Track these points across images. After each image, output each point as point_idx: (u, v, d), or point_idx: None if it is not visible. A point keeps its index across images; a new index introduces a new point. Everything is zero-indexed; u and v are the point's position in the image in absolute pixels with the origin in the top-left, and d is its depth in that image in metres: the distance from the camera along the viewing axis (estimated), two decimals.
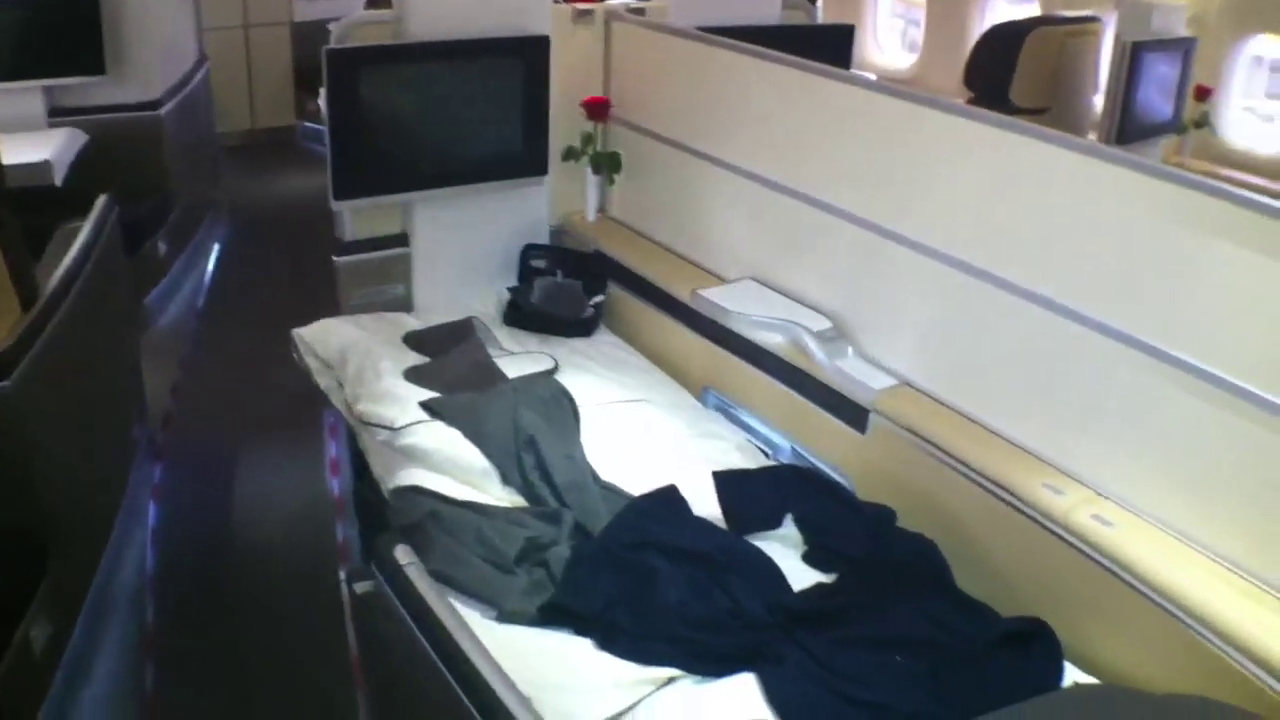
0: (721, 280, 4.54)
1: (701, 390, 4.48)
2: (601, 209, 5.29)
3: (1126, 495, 3.15)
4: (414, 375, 4.19)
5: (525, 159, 4.90)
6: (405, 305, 4.91)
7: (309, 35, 8.91)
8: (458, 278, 4.95)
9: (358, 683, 3.86)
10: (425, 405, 3.95)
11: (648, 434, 4.01)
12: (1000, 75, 7.15)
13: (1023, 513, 3.23)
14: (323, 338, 4.48)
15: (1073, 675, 2.96)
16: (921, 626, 3.08)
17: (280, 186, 9.36)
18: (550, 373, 4.35)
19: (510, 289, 4.93)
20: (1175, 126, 6.74)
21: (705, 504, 3.59)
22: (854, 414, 3.81)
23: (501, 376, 4.27)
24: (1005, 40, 7.32)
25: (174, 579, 4.45)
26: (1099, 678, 2.98)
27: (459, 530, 3.34)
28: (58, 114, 6.28)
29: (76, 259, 4.02)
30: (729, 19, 4.92)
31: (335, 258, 4.75)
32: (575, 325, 4.79)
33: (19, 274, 3.58)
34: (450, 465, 3.71)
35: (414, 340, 4.53)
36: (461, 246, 4.94)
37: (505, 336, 4.69)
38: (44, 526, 3.51)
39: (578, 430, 3.93)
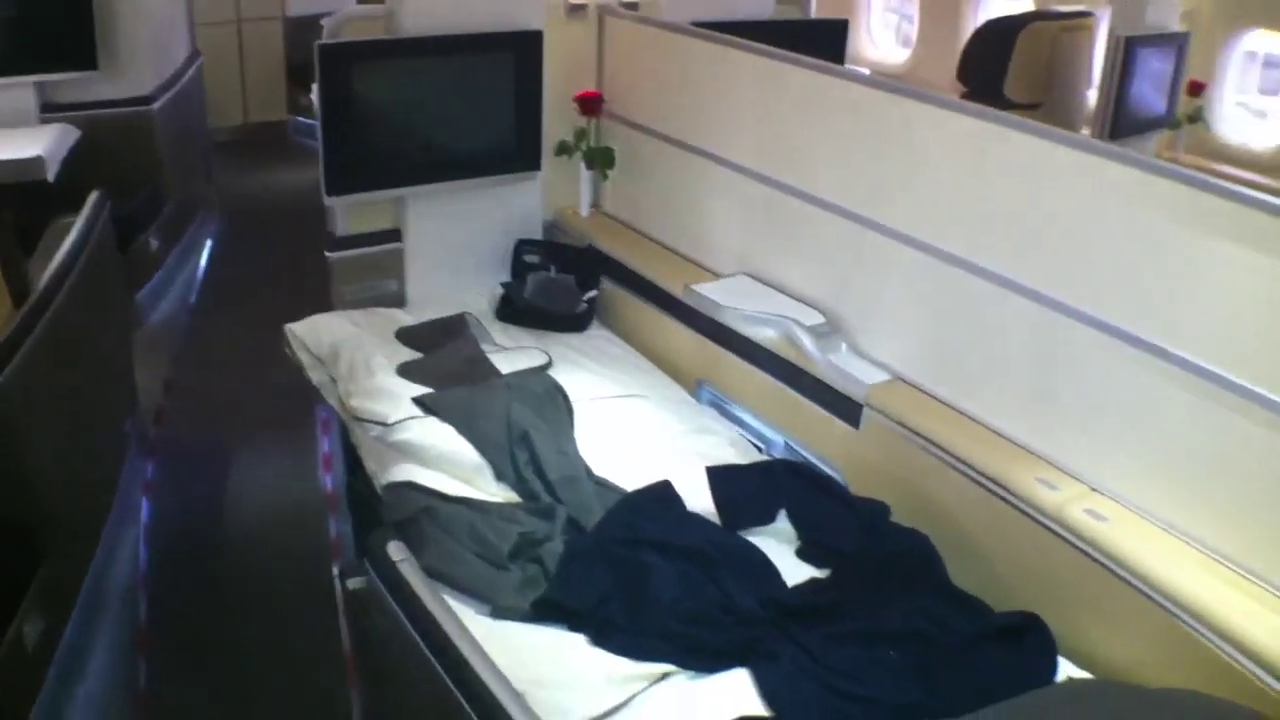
0: (715, 275, 4.54)
1: (695, 385, 4.48)
2: (595, 204, 5.29)
3: (1120, 490, 3.15)
4: (407, 371, 4.19)
5: (518, 154, 4.90)
6: (398, 301, 4.90)
7: (302, 30, 8.87)
8: (451, 273, 4.95)
9: (351, 679, 3.85)
10: (418, 401, 3.94)
11: (641, 429, 4.00)
12: (994, 70, 7.16)
13: (1016, 507, 3.23)
14: (315, 333, 4.48)
15: (1066, 669, 2.96)
16: (915, 621, 3.08)
17: (273, 182, 9.34)
18: (544, 368, 4.35)
19: (503, 284, 4.93)
20: (1169, 121, 6.74)
21: (699, 499, 3.59)
22: (847, 409, 3.81)
23: (495, 372, 4.26)
24: (999, 35, 7.33)
25: (167, 575, 4.44)
26: (1092, 672, 2.98)
27: (452, 526, 3.34)
28: (50, 109, 6.25)
29: (69, 255, 4.01)
30: (722, 14, 4.92)
31: (328, 253, 4.74)
32: (569, 320, 4.79)
33: (11, 270, 3.58)
34: (443, 461, 3.70)
35: (407, 336, 4.52)
36: (454, 242, 4.94)
37: (498, 332, 4.68)
38: (38, 522, 3.51)
39: (571, 426, 3.93)
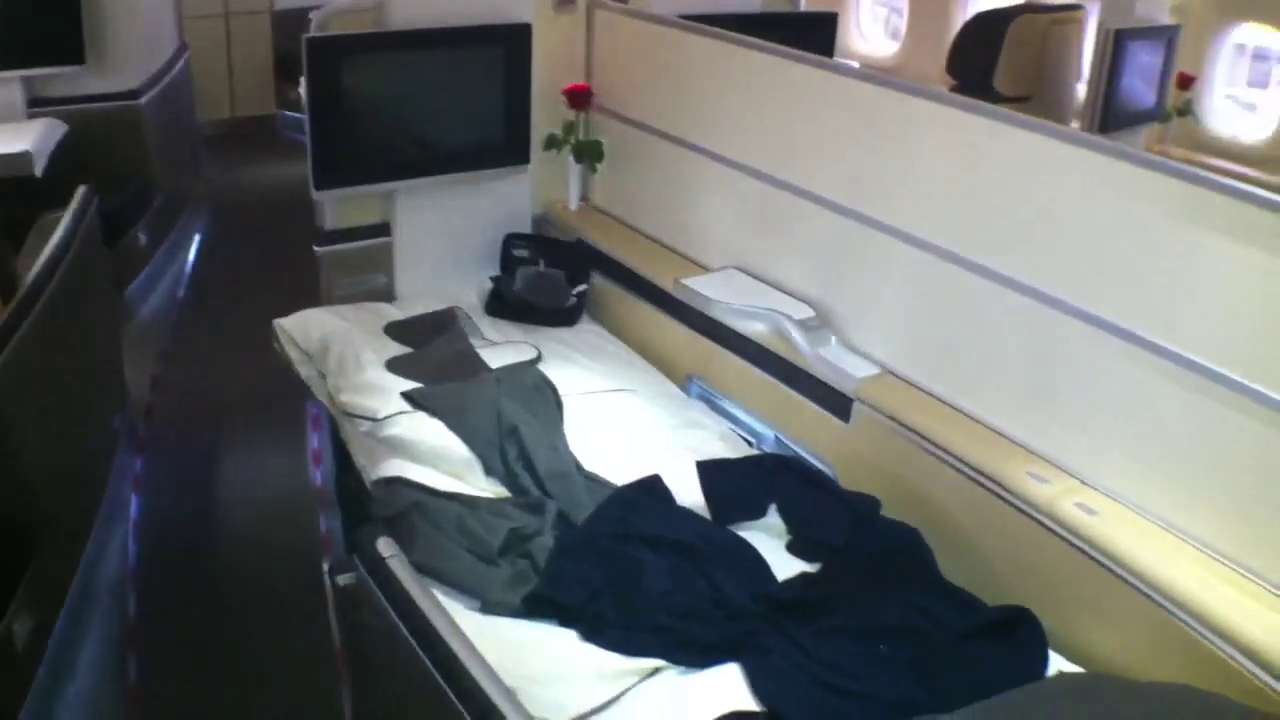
0: (705, 269, 4.53)
1: (685, 379, 4.47)
2: (584, 197, 5.28)
3: (1111, 484, 3.15)
4: (396, 366, 4.18)
5: (507, 147, 4.89)
6: (387, 295, 4.89)
7: (290, 23, 8.82)
8: (440, 267, 4.94)
9: (341, 675, 3.85)
10: (407, 396, 3.93)
11: (631, 424, 4.00)
12: (983, 63, 7.15)
13: (1007, 501, 3.23)
14: (304, 328, 4.47)
15: (1057, 664, 2.96)
16: (906, 615, 3.08)
17: (261, 176, 9.33)
18: (533, 362, 4.34)
19: (493, 278, 4.92)
20: (1158, 114, 6.74)
21: (689, 494, 3.59)
22: (837, 402, 3.81)
23: (484, 366, 4.25)
24: (988, 28, 7.32)
25: (156, 571, 4.43)
26: (1084, 666, 2.97)
27: (442, 521, 3.33)
28: (37, 104, 6.24)
29: (56, 250, 4.00)
30: (712, 6, 4.90)
31: (316, 248, 4.73)
32: (558, 315, 4.78)
33: None
34: (433, 456, 3.69)
35: (396, 330, 4.51)
36: (443, 236, 4.93)
37: (488, 326, 4.67)
38: (28, 517, 3.50)
39: (561, 420, 3.92)
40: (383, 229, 4.83)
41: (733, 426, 4.19)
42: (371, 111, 4.59)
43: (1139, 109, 6.51)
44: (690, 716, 2.73)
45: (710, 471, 3.67)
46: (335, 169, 4.51)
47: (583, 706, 2.76)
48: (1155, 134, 6.88)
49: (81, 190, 4.54)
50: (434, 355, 4.30)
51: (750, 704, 2.78)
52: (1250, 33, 7.02)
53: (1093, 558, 2.99)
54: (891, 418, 3.62)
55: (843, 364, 3.83)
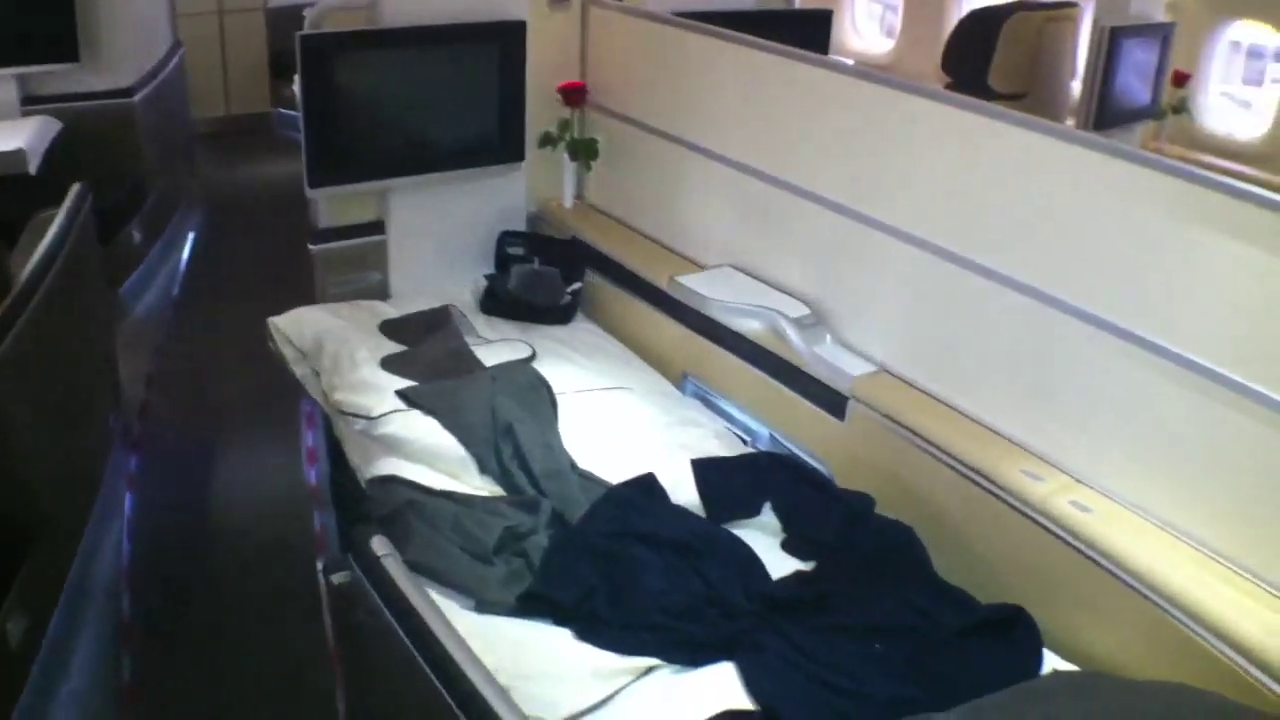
0: (700, 267, 4.53)
1: (680, 377, 4.47)
2: (579, 195, 5.28)
3: (1105, 482, 3.15)
4: (390, 364, 4.17)
5: (501, 145, 4.88)
6: (381, 293, 4.89)
7: (284, 21, 8.83)
8: (434, 265, 4.93)
9: (336, 674, 3.84)
10: (402, 394, 3.93)
11: (626, 422, 4.00)
12: (978, 60, 7.14)
13: (1001, 499, 3.23)
14: (298, 326, 4.46)
15: (1052, 662, 2.97)
16: (900, 614, 3.08)
17: (255, 174, 9.32)
18: (528, 360, 4.34)
19: (487, 276, 4.92)
20: (1153, 112, 6.74)
21: (684, 492, 3.59)
22: (832, 401, 3.80)
23: (479, 365, 4.25)
24: (983, 25, 7.31)
25: (150, 570, 4.43)
26: (1078, 664, 2.98)
27: (437, 520, 3.33)
28: (31, 102, 6.22)
29: (50, 248, 3.99)
30: (706, 4, 4.89)
31: (311, 245, 4.72)
32: (553, 313, 4.78)
33: None
34: (427, 454, 3.69)
35: (390, 328, 4.50)
36: (438, 234, 4.93)
37: (482, 324, 4.67)
38: (24, 516, 3.49)
39: (555, 418, 3.92)
40: (377, 227, 4.83)
41: (728, 425, 4.19)
42: (366, 109, 4.58)
43: (1134, 106, 6.51)
44: (685, 715, 2.73)
45: (705, 470, 3.67)
46: (330, 167, 4.51)
47: (577, 705, 2.76)
48: (1150, 131, 6.88)
49: (75, 188, 4.53)
50: (428, 353, 4.29)
51: (745, 702, 2.78)
52: (1245, 30, 7.02)
53: (1087, 556, 3.00)
54: (886, 416, 3.62)
55: (838, 362, 3.83)
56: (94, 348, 4.78)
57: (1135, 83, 6.37)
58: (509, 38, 4.71)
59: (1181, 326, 2.92)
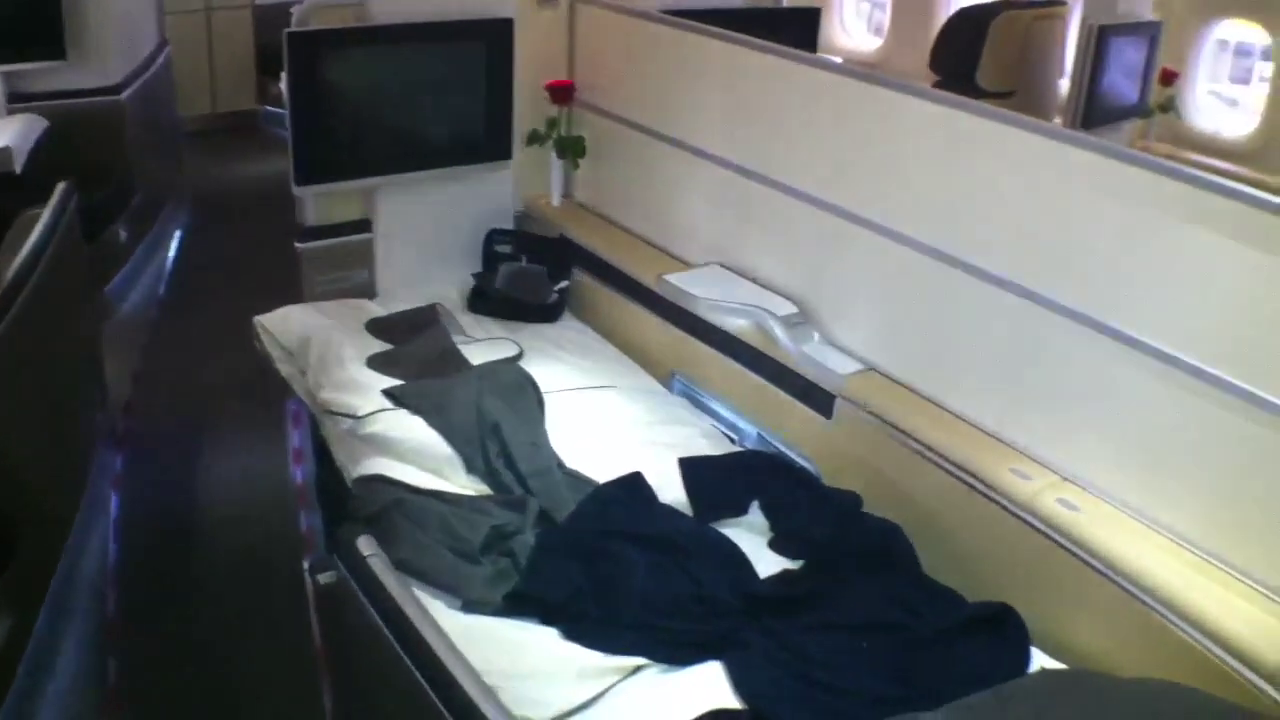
0: (687, 265, 4.53)
1: (667, 376, 4.46)
2: (566, 193, 5.27)
3: (1092, 479, 3.16)
4: (377, 362, 4.16)
5: (489, 143, 4.87)
6: (368, 291, 4.88)
7: (271, 18, 8.82)
8: (421, 263, 4.92)
9: (322, 674, 3.83)
10: (388, 393, 3.92)
11: (613, 420, 3.99)
12: (966, 58, 7.14)
13: (988, 497, 3.23)
14: (284, 325, 4.45)
15: (1039, 660, 2.97)
16: (888, 612, 3.08)
17: (242, 172, 9.29)
18: (515, 359, 4.33)
19: (474, 275, 4.91)
20: (1141, 110, 6.75)
21: (671, 491, 3.59)
22: (820, 399, 3.80)
23: (466, 363, 4.24)
24: (971, 23, 7.31)
25: (136, 570, 4.41)
26: (1065, 662, 2.98)
27: (423, 519, 3.32)
28: (17, 100, 6.19)
29: (35, 246, 3.97)
30: (694, 2, 4.89)
31: (297, 244, 4.71)
32: (540, 311, 4.77)
33: None
34: (414, 453, 3.68)
35: (377, 327, 4.50)
36: (425, 232, 4.91)
37: (469, 323, 4.66)
38: (8, 515, 3.47)
39: (542, 417, 3.91)
40: (364, 225, 4.82)
41: (715, 423, 4.19)
42: (353, 106, 4.58)
43: (1122, 105, 6.52)
44: (672, 714, 2.72)
45: (692, 468, 3.67)
46: (316, 164, 4.50)
47: (564, 705, 2.76)
48: (1138, 130, 6.89)
49: (61, 186, 4.50)
50: (415, 352, 4.28)
51: (732, 701, 2.78)
52: (1232, 28, 7.03)
53: (1075, 554, 3.00)
54: (874, 414, 3.61)
55: (826, 361, 3.82)
56: (79, 347, 4.76)
57: (1123, 81, 6.38)
58: (496, 35, 4.70)
59: (1169, 325, 2.92)
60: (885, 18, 8.86)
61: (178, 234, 7.84)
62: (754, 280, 4.25)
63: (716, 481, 3.65)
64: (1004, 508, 3.18)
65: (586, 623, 3.00)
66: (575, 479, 3.63)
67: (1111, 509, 3.08)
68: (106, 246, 6.34)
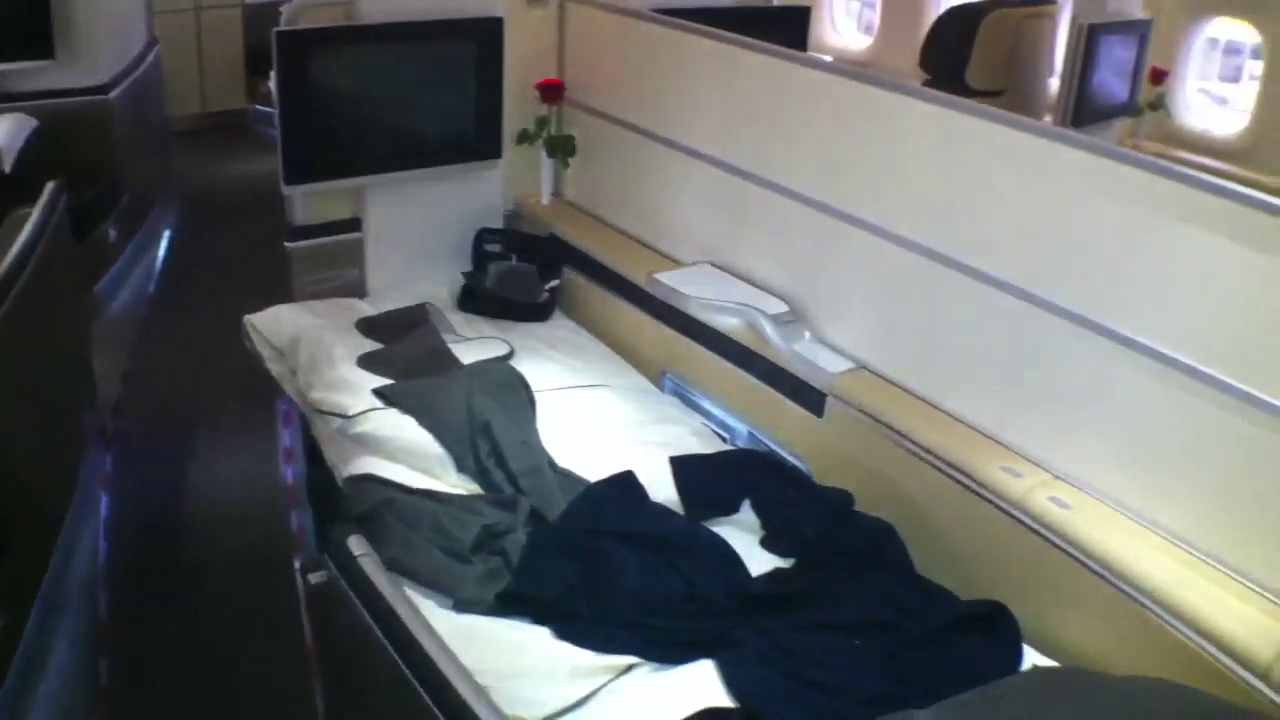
0: (678, 264, 4.52)
1: (658, 375, 4.46)
2: (557, 192, 5.26)
3: (1084, 477, 3.16)
4: (367, 362, 4.16)
5: (479, 142, 4.87)
6: (358, 291, 4.87)
7: (261, 17, 8.78)
8: (411, 262, 4.91)
9: (314, 673, 3.83)
10: (379, 392, 3.92)
11: (604, 419, 3.99)
12: (956, 57, 7.15)
13: (980, 495, 3.23)
14: (275, 324, 4.44)
15: (1031, 658, 2.97)
16: (880, 610, 3.08)
17: (232, 171, 9.27)
18: (505, 358, 4.33)
19: (465, 274, 4.91)
20: (1131, 109, 6.76)
21: (662, 489, 3.59)
22: (811, 398, 3.80)
23: (456, 362, 4.24)
24: (961, 22, 7.32)
25: (127, 570, 4.40)
26: (1058, 660, 2.98)
27: (414, 518, 3.31)
28: (5, 99, 6.16)
29: (25, 246, 3.96)
30: (684, 0, 4.88)
31: (287, 243, 4.70)
32: (531, 310, 4.77)
33: None
34: (404, 453, 3.67)
35: (367, 326, 4.49)
36: (415, 231, 4.91)
37: (460, 322, 4.66)
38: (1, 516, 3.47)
39: (533, 416, 3.91)
40: (354, 224, 4.81)
41: (706, 422, 4.19)
42: (342, 106, 4.57)
43: (1112, 103, 6.52)
44: (665, 713, 2.72)
45: (684, 467, 3.67)
46: (306, 164, 4.49)
47: (556, 704, 2.75)
48: (1128, 128, 6.90)
49: (50, 186, 4.49)
50: (406, 351, 4.28)
51: (724, 700, 2.78)
52: (1222, 27, 7.05)
53: (1067, 551, 3.00)
54: (865, 413, 3.61)
55: (817, 359, 3.82)
56: (69, 346, 4.75)
57: (1113, 79, 6.38)
58: (486, 34, 4.70)
59: (1159, 322, 2.92)
60: (875, 16, 8.86)
61: (167, 233, 7.82)
62: (745, 279, 4.24)
63: (708, 480, 3.64)
64: (996, 506, 3.18)
65: (578, 622, 3.00)
66: (566, 478, 3.62)
67: (1104, 507, 3.09)
68: (96, 246, 6.31)
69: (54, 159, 5.35)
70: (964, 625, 3.03)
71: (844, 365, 3.80)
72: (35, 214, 4.20)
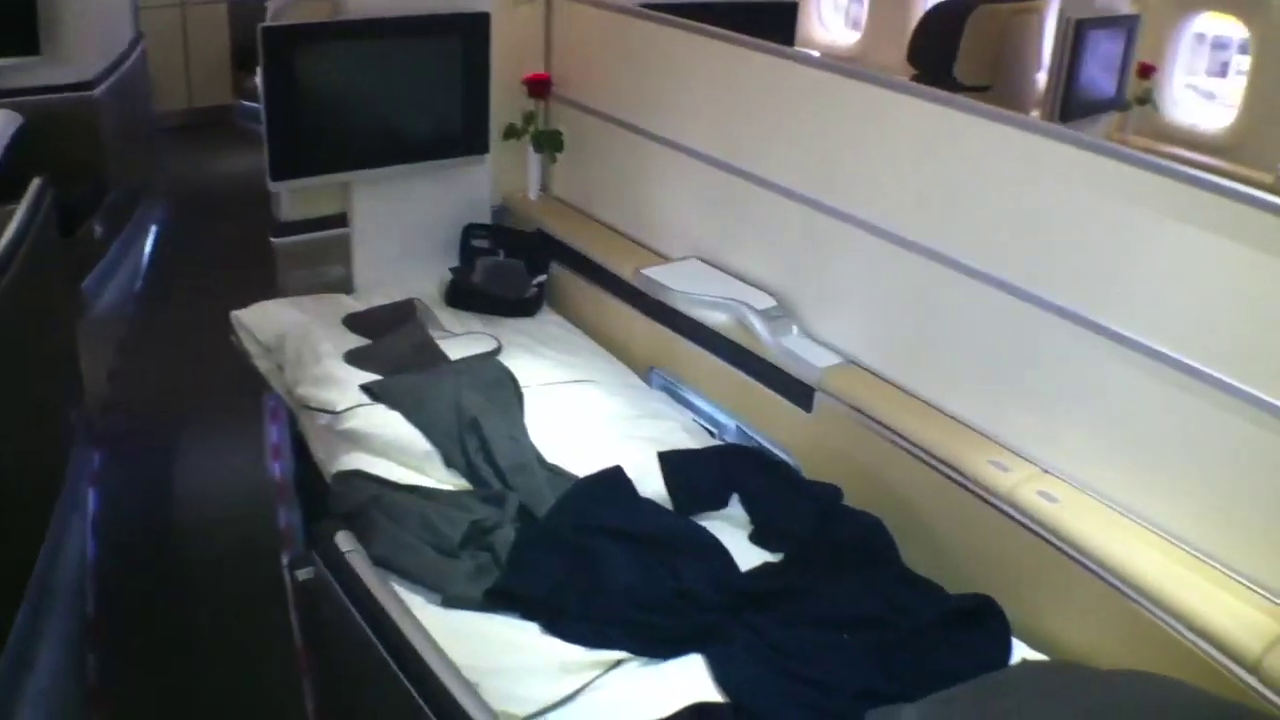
0: (665, 259, 4.52)
1: (646, 370, 4.46)
2: (544, 187, 5.26)
3: (1072, 471, 3.16)
4: (354, 358, 4.15)
5: (466, 137, 4.87)
6: (345, 287, 4.86)
7: (247, 12, 8.77)
8: (398, 258, 4.91)
9: (303, 669, 3.82)
10: (366, 388, 3.91)
11: (592, 415, 3.99)
12: (944, 52, 7.15)
13: (969, 489, 3.23)
14: (262, 321, 4.43)
15: (1021, 651, 2.98)
16: (869, 605, 3.08)
17: (218, 167, 9.25)
18: (493, 354, 4.32)
19: (452, 269, 4.90)
20: (1119, 103, 6.76)
21: (651, 484, 3.59)
22: (800, 392, 3.80)
23: (444, 358, 4.23)
24: (949, 17, 7.32)
25: (115, 568, 4.39)
26: (1047, 654, 2.99)
27: (402, 515, 3.30)
28: None
29: (10, 243, 3.94)
30: None
31: (273, 239, 4.69)
32: (518, 305, 4.77)
33: None
34: (392, 449, 3.67)
35: (354, 322, 4.48)
36: (402, 226, 4.90)
37: (447, 317, 4.65)
38: None
39: (521, 412, 3.91)
40: (340, 220, 4.80)
41: (695, 417, 4.19)
42: (329, 101, 4.56)
43: (1099, 98, 6.53)
44: (654, 708, 2.71)
45: (672, 462, 3.66)
46: (292, 159, 4.48)
47: (546, 699, 2.75)
48: (1116, 123, 6.90)
49: (36, 183, 4.48)
50: (393, 347, 4.27)
51: (714, 695, 2.78)
52: (1209, 22, 7.05)
53: (1055, 545, 3.00)
54: (854, 407, 3.61)
55: (805, 354, 3.82)
56: (56, 343, 4.74)
57: (1101, 75, 6.39)
58: (473, 29, 4.69)
59: (1146, 317, 2.93)
60: (863, 11, 8.86)
61: (153, 229, 7.80)
62: (732, 274, 4.24)
63: (696, 475, 3.64)
64: (984, 500, 3.19)
65: (567, 617, 3.00)
66: (555, 473, 3.62)
67: (1091, 500, 3.09)
68: (82, 242, 6.30)
69: (40, 156, 5.35)
70: (953, 619, 3.03)
71: (832, 360, 3.80)
72: (21, 211, 4.19)
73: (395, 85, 4.69)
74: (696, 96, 4.34)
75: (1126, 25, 6.52)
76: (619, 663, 2.89)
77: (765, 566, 3.32)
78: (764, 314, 3.95)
